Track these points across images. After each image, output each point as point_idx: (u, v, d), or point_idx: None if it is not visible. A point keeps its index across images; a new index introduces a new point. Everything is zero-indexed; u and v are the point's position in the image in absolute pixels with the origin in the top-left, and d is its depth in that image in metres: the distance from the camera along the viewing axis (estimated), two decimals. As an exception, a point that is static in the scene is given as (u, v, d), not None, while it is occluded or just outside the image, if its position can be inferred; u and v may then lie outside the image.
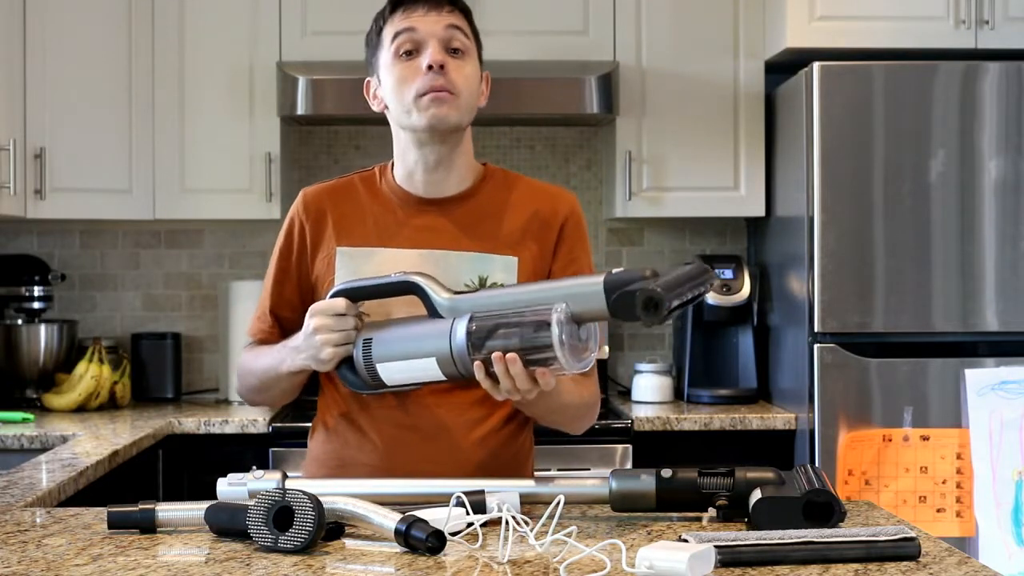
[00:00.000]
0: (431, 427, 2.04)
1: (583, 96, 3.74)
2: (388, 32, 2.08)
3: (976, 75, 3.45)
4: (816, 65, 3.45)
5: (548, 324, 1.74)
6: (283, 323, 2.16)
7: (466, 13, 2.11)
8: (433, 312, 1.88)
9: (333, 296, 1.96)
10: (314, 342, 1.93)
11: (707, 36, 3.86)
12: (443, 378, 1.87)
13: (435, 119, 2.03)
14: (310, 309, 1.95)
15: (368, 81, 2.15)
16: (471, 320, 1.82)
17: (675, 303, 1.70)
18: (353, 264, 2.08)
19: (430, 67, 2.02)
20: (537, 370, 1.78)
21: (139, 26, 3.77)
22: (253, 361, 2.14)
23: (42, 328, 3.83)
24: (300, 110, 3.72)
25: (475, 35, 2.12)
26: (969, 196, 3.45)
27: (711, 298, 3.83)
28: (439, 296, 1.88)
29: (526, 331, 1.77)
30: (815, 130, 3.45)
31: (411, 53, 2.05)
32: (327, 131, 4.17)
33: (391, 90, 2.07)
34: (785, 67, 3.77)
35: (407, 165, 2.12)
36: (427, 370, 1.86)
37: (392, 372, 1.89)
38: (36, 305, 3.87)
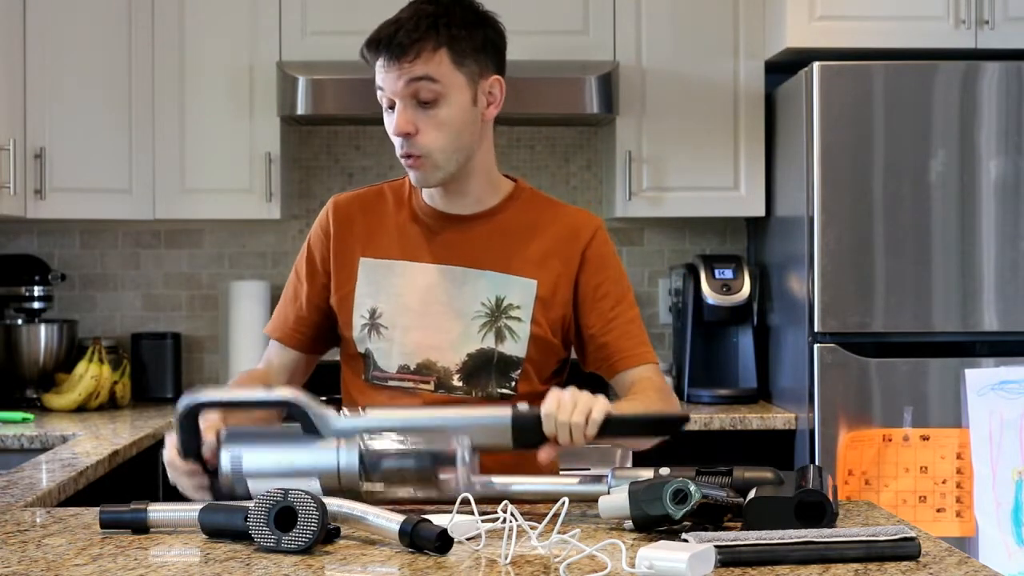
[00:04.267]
0: None
1: (583, 96, 3.74)
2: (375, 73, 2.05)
3: (976, 75, 3.45)
4: (816, 65, 3.45)
5: (452, 456, 1.76)
6: (305, 323, 2.18)
7: (437, 46, 1.99)
8: (311, 430, 1.82)
9: (207, 405, 1.86)
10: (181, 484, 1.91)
11: (707, 36, 3.86)
12: None
13: (417, 181, 2.08)
14: (167, 462, 1.90)
15: None
16: (363, 440, 1.78)
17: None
18: (374, 276, 2.11)
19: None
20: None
21: (139, 26, 3.77)
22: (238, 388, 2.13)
23: (42, 328, 3.83)
24: (300, 110, 3.72)
25: (459, 62, 2.00)
26: (969, 196, 3.45)
27: (711, 298, 3.84)
28: (322, 415, 1.82)
29: (424, 459, 1.77)
30: (815, 130, 3.45)
31: (391, 106, 2.03)
32: (327, 131, 4.17)
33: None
34: (785, 67, 3.76)
35: None
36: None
37: (262, 487, 1.73)
38: (36, 305, 3.87)
